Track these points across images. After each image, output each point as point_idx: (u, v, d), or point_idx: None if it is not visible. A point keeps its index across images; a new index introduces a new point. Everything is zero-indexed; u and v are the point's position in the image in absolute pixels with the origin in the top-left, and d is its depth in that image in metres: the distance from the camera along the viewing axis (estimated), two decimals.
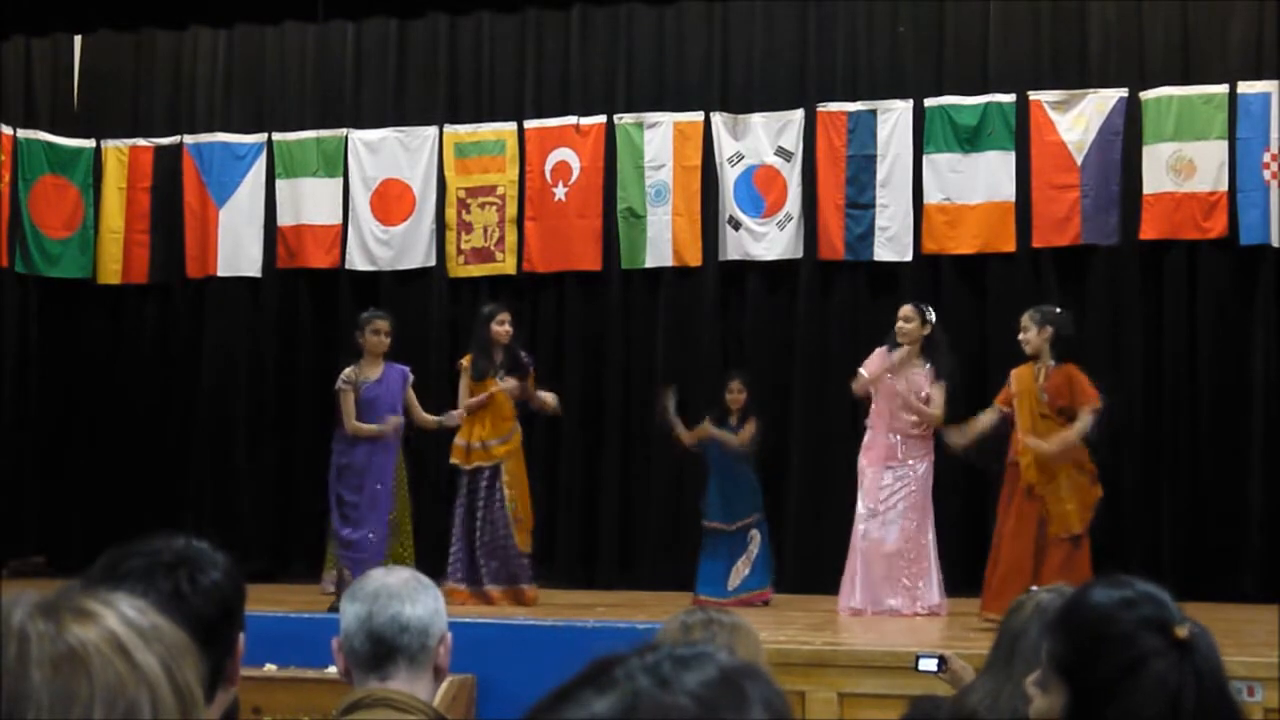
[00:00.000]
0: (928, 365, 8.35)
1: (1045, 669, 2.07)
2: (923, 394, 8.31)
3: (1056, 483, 7.56)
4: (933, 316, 8.39)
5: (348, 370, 8.37)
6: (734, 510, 8.81)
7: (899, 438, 8.37)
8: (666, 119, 10.16)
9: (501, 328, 8.59)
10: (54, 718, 1.00)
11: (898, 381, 8.35)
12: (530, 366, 8.75)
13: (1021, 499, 7.59)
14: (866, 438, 8.47)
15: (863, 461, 8.43)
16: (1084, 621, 2.03)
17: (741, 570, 8.76)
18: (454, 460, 8.58)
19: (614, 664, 1.00)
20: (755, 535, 8.78)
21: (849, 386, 8.53)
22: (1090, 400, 7.66)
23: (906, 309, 8.41)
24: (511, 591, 8.45)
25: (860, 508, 8.37)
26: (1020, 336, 7.74)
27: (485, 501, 8.47)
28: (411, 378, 8.47)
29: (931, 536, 8.37)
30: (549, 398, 8.71)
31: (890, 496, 8.32)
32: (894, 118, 9.85)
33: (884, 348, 8.44)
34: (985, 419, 7.88)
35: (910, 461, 8.35)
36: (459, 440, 8.57)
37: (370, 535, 8.18)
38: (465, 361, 8.68)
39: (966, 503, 9.60)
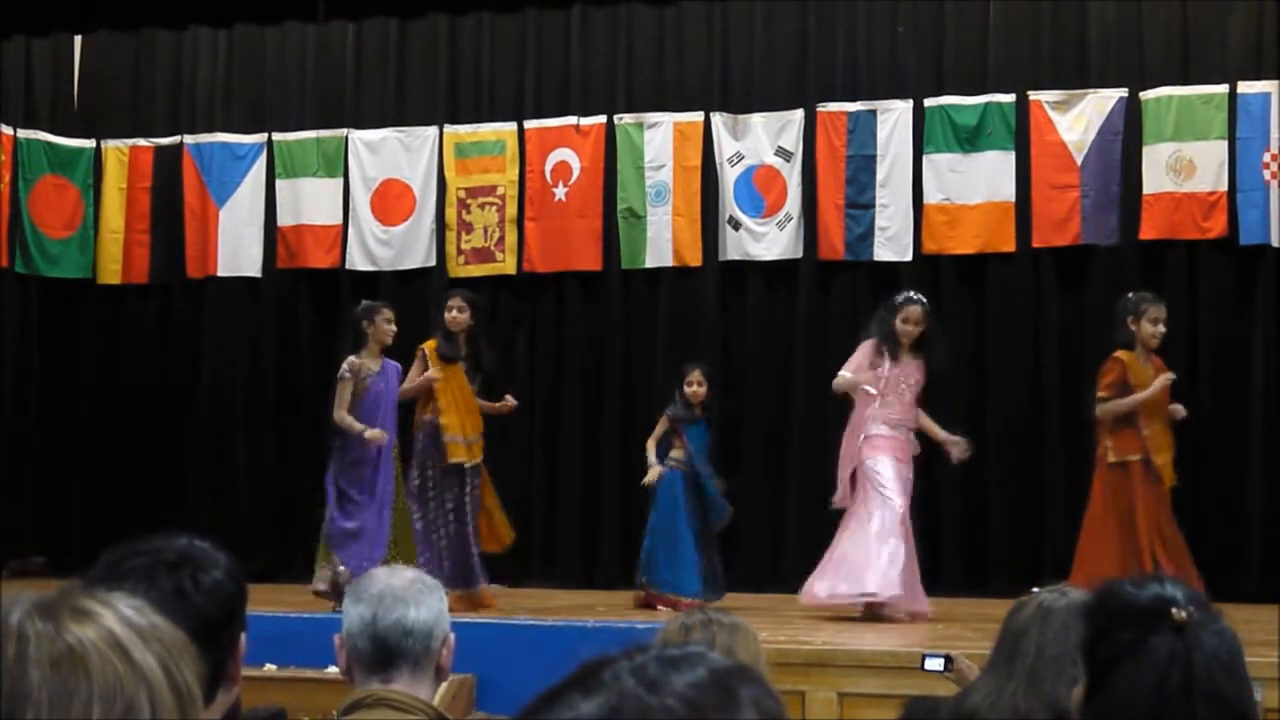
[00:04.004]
0: (919, 356, 8.05)
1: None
2: (913, 381, 8.03)
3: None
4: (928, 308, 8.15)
5: (351, 359, 8.17)
6: (710, 519, 8.51)
7: (908, 434, 8.05)
8: (666, 119, 10.16)
9: (450, 314, 8.30)
10: (53, 717, 1.00)
11: (900, 374, 8.02)
12: (488, 364, 8.43)
13: (1165, 496, 7.33)
14: (875, 431, 7.97)
15: (881, 458, 7.93)
16: (1102, 606, 2.17)
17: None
18: (457, 459, 8.17)
19: (602, 666, 1.00)
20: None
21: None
22: None
23: (918, 312, 8.00)
24: (467, 596, 7.99)
25: (899, 505, 7.87)
26: (1163, 329, 7.48)
27: (461, 501, 8.20)
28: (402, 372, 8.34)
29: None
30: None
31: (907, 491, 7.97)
32: (894, 118, 9.85)
33: (871, 343, 8.03)
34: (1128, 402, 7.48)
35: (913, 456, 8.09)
36: (457, 437, 8.24)
37: (369, 526, 8.00)
38: (428, 346, 8.35)
39: (966, 502, 9.61)
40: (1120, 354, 7.56)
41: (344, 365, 8.17)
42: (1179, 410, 7.53)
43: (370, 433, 7.99)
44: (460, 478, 8.23)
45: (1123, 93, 9.53)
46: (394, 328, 8.24)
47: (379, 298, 9.90)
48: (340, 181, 10.55)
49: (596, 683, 0.98)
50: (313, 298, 10.67)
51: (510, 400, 8.53)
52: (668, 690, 0.97)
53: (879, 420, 7.99)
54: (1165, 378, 7.39)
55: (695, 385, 8.50)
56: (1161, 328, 7.44)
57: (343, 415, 8.08)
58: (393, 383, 8.24)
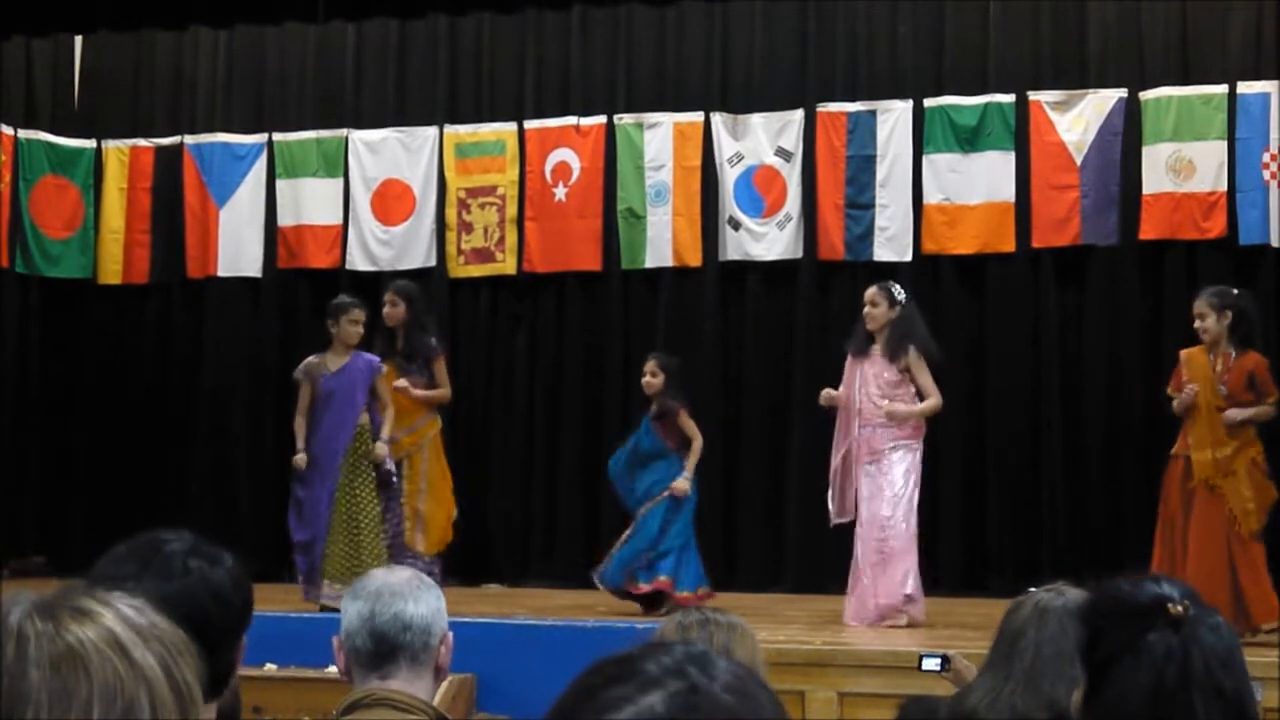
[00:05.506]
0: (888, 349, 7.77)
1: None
2: (884, 377, 7.75)
3: (1237, 478, 7.06)
4: (902, 295, 7.88)
5: (308, 360, 8.17)
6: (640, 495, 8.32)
7: (871, 429, 7.76)
8: (666, 119, 10.16)
9: (384, 309, 8.32)
10: (53, 717, 1.00)
11: (864, 367, 7.83)
12: (436, 352, 8.33)
13: (1204, 497, 7.04)
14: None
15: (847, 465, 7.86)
16: (1098, 607, 2.17)
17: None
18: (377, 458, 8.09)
19: (639, 660, 0.99)
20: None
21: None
22: (1273, 393, 7.14)
23: (872, 292, 7.90)
24: None
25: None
26: (1197, 325, 7.14)
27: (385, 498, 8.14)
28: (384, 369, 8.12)
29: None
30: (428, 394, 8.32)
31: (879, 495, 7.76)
32: (894, 118, 9.85)
33: (849, 356, 7.92)
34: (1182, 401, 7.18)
35: (889, 455, 7.75)
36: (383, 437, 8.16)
37: (314, 537, 8.00)
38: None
39: (964, 500, 9.61)
40: (1184, 352, 7.37)
41: (299, 367, 8.20)
42: (1230, 415, 7.07)
43: (296, 458, 8.08)
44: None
45: (1122, 93, 9.53)
46: (360, 329, 8.11)
47: (380, 298, 9.91)
48: (340, 181, 10.56)
49: (648, 679, 0.97)
50: (313, 298, 10.65)
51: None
52: (722, 683, 0.98)
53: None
54: (1190, 389, 7.18)
55: (648, 376, 8.30)
56: (1198, 323, 7.20)
57: (297, 421, 8.16)
58: (355, 380, 8.04)
